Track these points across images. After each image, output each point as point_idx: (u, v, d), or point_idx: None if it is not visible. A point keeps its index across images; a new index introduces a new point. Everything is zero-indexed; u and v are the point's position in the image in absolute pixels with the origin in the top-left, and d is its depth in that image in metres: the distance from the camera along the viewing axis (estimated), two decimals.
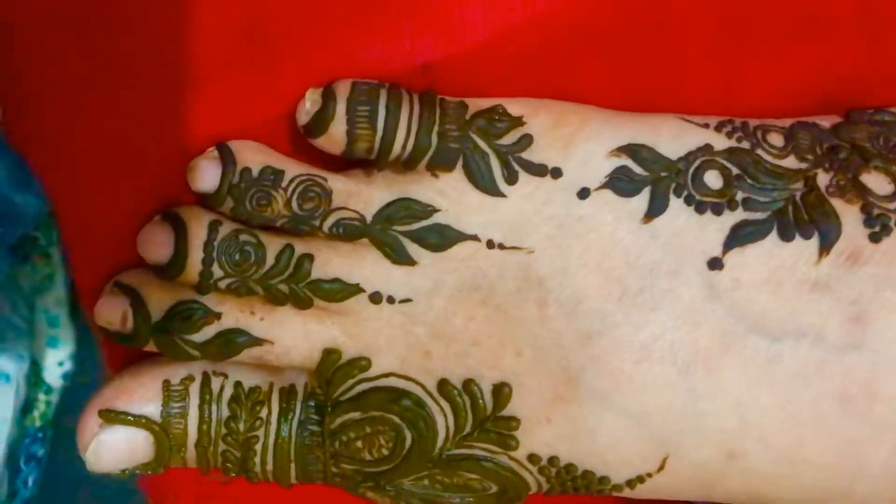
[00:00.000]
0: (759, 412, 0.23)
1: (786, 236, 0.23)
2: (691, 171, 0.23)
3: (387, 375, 0.25)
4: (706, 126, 0.24)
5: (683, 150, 0.24)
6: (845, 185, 0.24)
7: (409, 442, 0.25)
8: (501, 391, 0.24)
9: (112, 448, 0.25)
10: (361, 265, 0.24)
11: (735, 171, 0.23)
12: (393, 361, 0.24)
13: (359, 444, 0.25)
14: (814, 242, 0.23)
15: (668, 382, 0.23)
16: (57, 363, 0.39)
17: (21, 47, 0.23)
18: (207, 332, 0.24)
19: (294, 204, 0.23)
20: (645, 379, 0.23)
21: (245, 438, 0.25)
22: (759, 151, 0.24)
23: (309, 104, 0.23)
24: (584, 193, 0.23)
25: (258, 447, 0.25)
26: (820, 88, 0.25)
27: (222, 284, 0.24)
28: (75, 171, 0.24)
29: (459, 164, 0.23)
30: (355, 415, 0.25)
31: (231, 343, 0.24)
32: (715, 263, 0.23)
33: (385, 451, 0.25)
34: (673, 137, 0.24)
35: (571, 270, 0.23)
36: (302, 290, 0.24)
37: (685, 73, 0.25)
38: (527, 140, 0.23)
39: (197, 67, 0.23)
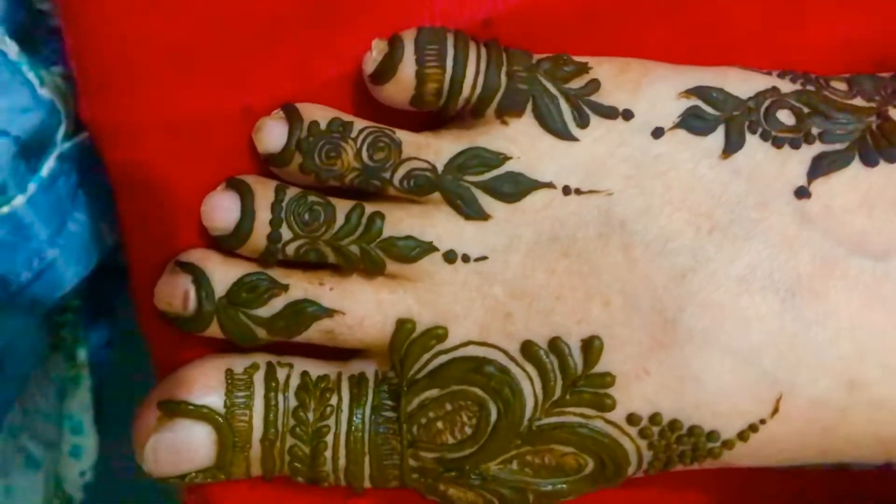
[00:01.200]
0: (874, 334, 0.22)
1: (869, 162, 0.23)
2: (763, 109, 0.23)
3: (465, 345, 0.23)
4: (769, 73, 0.24)
5: (752, 91, 0.23)
6: None
7: (494, 416, 0.23)
8: (592, 345, 0.22)
9: (171, 447, 0.23)
10: (433, 223, 0.23)
11: (806, 109, 0.23)
12: (471, 328, 0.23)
13: (439, 424, 0.23)
14: None
15: (773, 312, 0.22)
16: (79, 473, 0.37)
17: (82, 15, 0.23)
18: (275, 304, 0.23)
19: (364, 155, 0.23)
20: (747, 312, 0.22)
21: (315, 429, 0.23)
22: (826, 93, 0.23)
23: (376, 52, 0.23)
24: (658, 133, 0.23)
25: (329, 438, 0.23)
26: (878, 49, 0.25)
27: (290, 249, 0.23)
28: (136, 146, 0.23)
29: (529, 108, 0.23)
30: (433, 392, 0.23)
31: (301, 314, 0.23)
32: (802, 192, 0.23)
33: (468, 430, 0.23)
34: (740, 81, 0.23)
35: (655, 209, 0.22)
36: (374, 250, 0.23)
37: (743, 32, 0.25)
38: (594, 84, 0.23)
39: (257, 32, 0.23)
